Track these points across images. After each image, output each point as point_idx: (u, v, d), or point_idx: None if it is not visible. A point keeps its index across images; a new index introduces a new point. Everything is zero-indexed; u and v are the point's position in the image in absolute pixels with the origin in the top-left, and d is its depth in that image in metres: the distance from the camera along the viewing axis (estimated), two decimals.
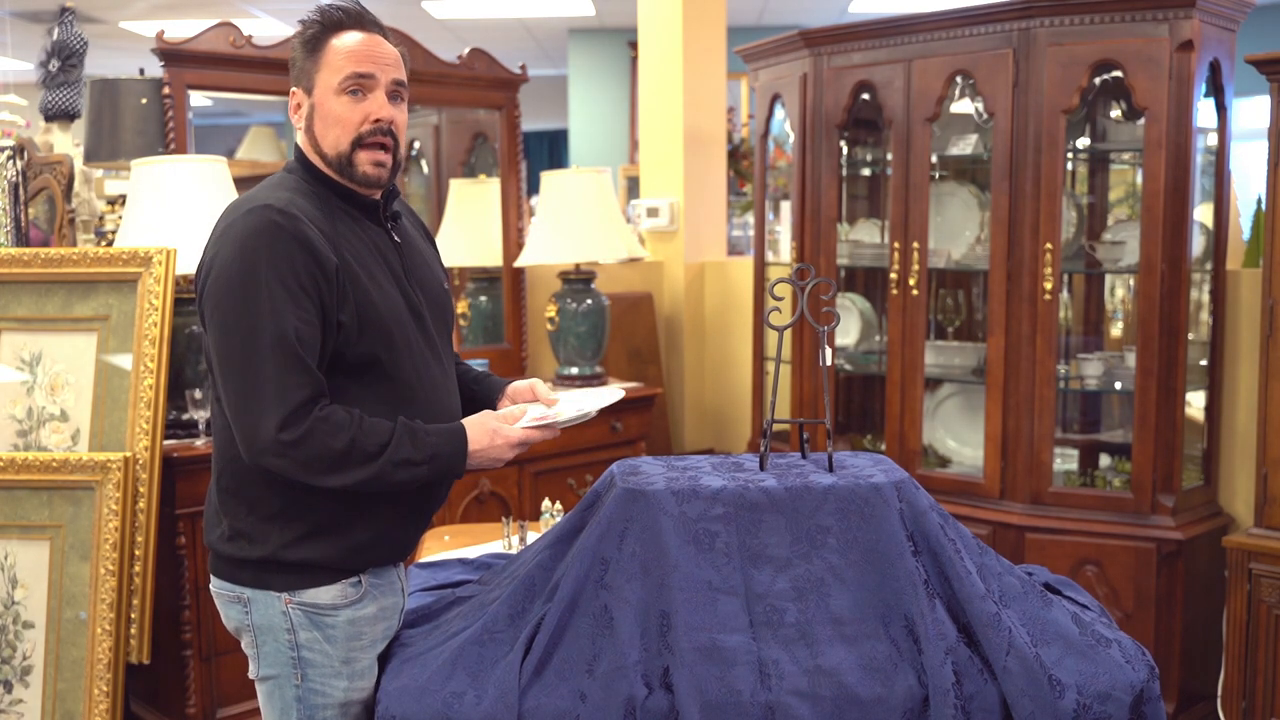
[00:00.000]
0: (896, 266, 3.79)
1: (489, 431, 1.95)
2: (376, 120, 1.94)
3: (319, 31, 1.95)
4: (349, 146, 1.94)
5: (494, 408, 2.16)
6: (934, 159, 3.85)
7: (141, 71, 3.83)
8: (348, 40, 1.94)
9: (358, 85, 1.93)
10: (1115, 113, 3.80)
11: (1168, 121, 3.31)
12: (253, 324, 1.81)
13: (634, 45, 8.85)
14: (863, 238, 4.29)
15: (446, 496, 2.13)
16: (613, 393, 2.15)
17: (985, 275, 3.70)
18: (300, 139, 2.01)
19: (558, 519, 2.98)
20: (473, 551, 2.88)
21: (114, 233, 3.71)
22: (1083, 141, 3.85)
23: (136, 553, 3.06)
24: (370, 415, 1.90)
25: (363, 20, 1.96)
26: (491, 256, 4.61)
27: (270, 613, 1.95)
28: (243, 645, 2.03)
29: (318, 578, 1.94)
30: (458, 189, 4.72)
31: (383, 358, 1.92)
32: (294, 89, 2.00)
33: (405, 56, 2.02)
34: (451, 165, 4.87)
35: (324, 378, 1.87)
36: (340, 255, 1.88)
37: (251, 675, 2.02)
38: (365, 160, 1.94)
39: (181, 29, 4.02)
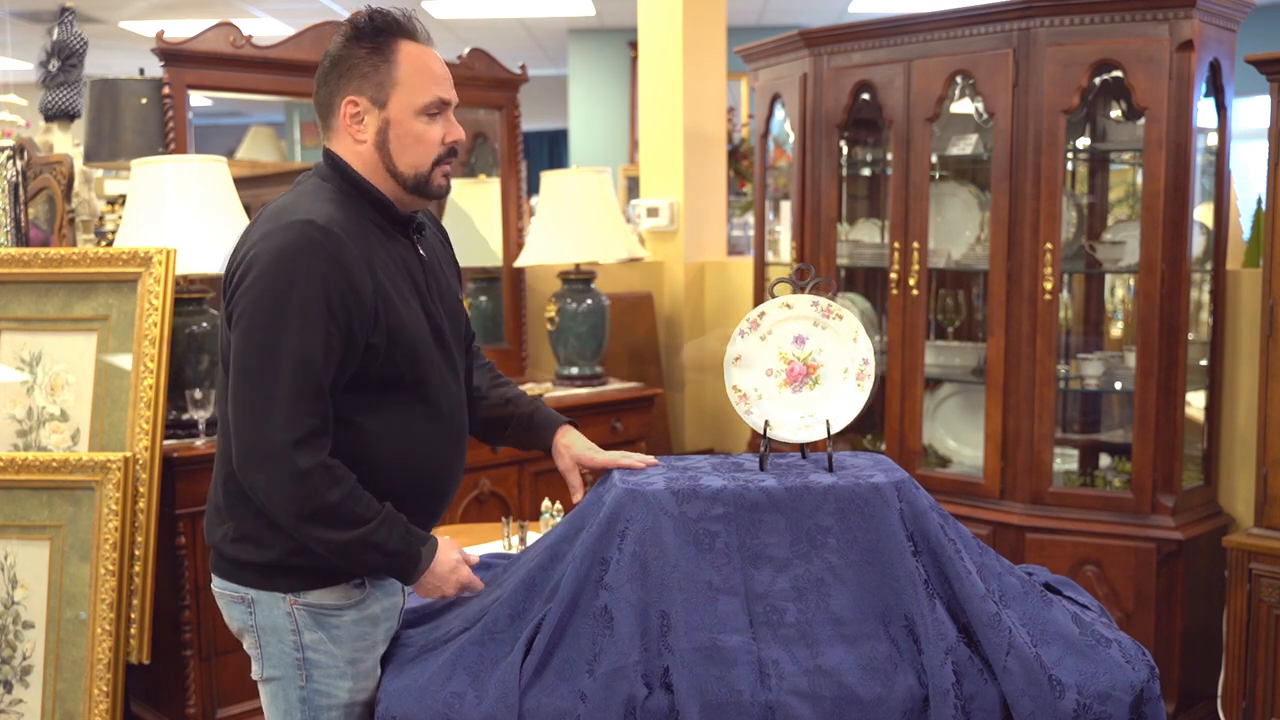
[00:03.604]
0: (896, 266, 3.79)
1: (453, 566, 1.95)
2: (455, 141, 1.96)
3: (385, 41, 1.91)
4: (430, 166, 1.95)
5: (537, 444, 2.20)
6: (934, 159, 3.85)
7: (141, 71, 3.83)
8: (423, 58, 1.93)
9: (440, 109, 1.94)
10: (1115, 113, 3.80)
11: (1168, 121, 3.31)
12: (278, 340, 1.80)
13: (634, 45, 8.85)
14: (863, 238, 4.29)
15: (448, 507, 2.12)
16: None
17: (985, 275, 3.70)
18: (347, 146, 1.96)
19: (558, 519, 2.98)
20: (473, 552, 2.88)
21: (114, 233, 3.71)
22: (1083, 141, 3.85)
23: (136, 553, 3.06)
24: (391, 429, 1.92)
25: (420, 31, 1.95)
26: (491, 256, 4.61)
27: (275, 614, 1.94)
28: (245, 646, 2.02)
29: (322, 579, 1.93)
30: (457, 189, 4.71)
31: (406, 376, 1.92)
32: (353, 97, 1.92)
33: None
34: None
35: (342, 397, 1.88)
36: (375, 277, 1.87)
37: (255, 676, 2.02)
38: (439, 175, 1.97)
39: (181, 29, 4.02)
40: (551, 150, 13.67)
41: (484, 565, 2.33)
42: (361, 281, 1.84)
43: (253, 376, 1.81)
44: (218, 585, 2.01)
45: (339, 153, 1.96)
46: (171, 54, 3.66)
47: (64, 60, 4.29)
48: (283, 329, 1.80)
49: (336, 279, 1.81)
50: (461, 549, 1.99)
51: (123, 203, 3.72)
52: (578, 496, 2.11)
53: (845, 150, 4.24)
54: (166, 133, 3.67)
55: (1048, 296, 3.47)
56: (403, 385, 1.92)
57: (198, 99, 3.89)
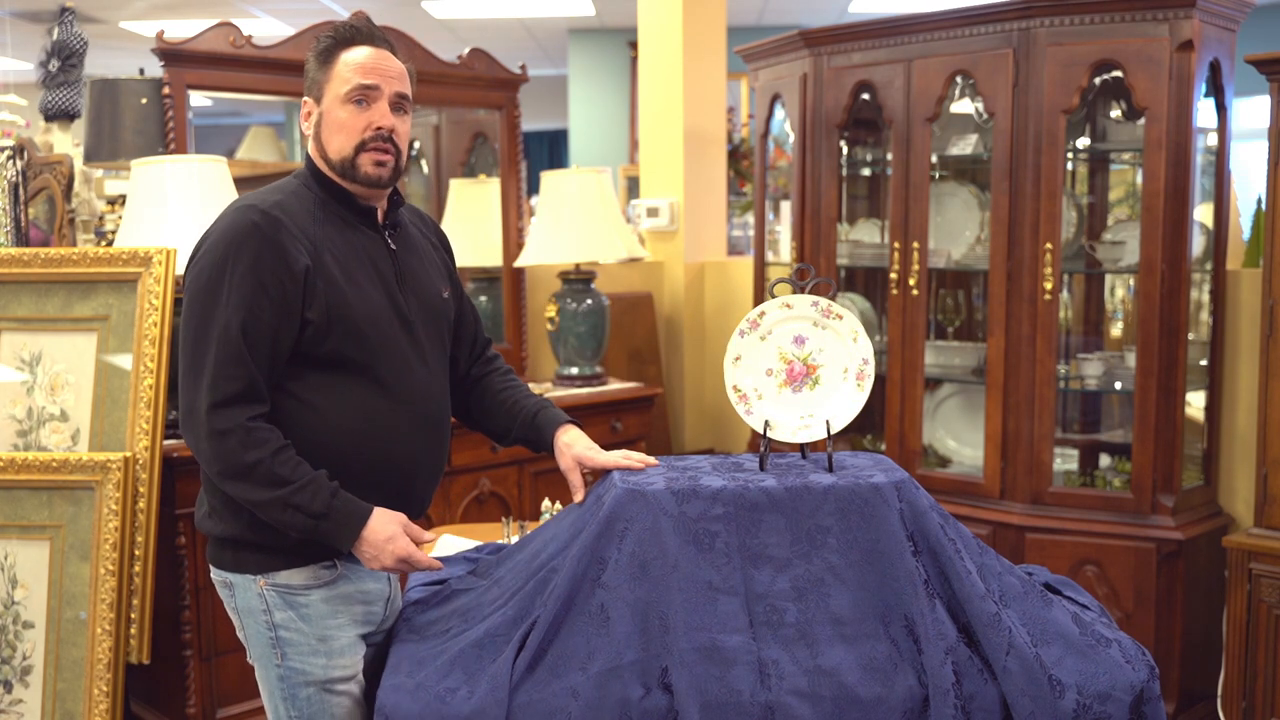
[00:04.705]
0: (896, 266, 3.79)
1: (389, 536, 1.97)
2: (378, 128, 2.03)
3: (331, 45, 2.06)
4: (352, 151, 2.03)
5: (539, 443, 2.21)
6: (934, 159, 3.85)
7: (141, 71, 3.83)
8: (357, 54, 2.05)
9: (363, 95, 2.03)
10: (1115, 113, 3.80)
11: (1168, 121, 3.31)
12: (209, 313, 1.93)
13: (634, 45, 8.85)
14: (863, 238, 4.29)
15: (429, 501, 2.17)
16: None
17: (985, 275, 3.70)
18: (309, 145, 2.09)
19: (556, 516, 2.97)
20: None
21: (114, 233, 3.71)
22: (1083, 141, 3.85)
23: (136, 553, 3.06)
24: (344, 408, 1.99)
25: (373, 37, 2.07)
26: (491, 256, 4.61)
27: (249, 595, 2.03)
28: (236, 630, 2.10)
29: (289, 560, 2.01)
30: (458, 189, 4.72)
31: (354, 357, 2.00)
32: (305, 98, 2.10)
33: (413, 74, 2.12)
34: (451, 165, 4.87)
35: (296, 375, 1.97)
36: (317, 257, 1.98)
37: (248, 660, 2.10)
38: (367, 161, 2.03)
39: (181, 29, 4.02)
40: (551, 150, 13.66)
41: (476, 560, 2.33)
42: (295, 257, 1.95)
43: (188, 346, 1.96)
44: (211, 573, 2.10)
45: (309, 152, 2.11)
46: (171, 54, 3.66)
47: (64, 60, 4.28)
48: (215, 302, 1.93)
49: (269, 255, 1.93)
50: (406, 523, 2.00)
51: (123, 203, 3.72)
52: (579, 496, 2.12)
53: (845, 150, 4.24)
54: (166, 133, 3.67)
55: (1048, 296, 3.47)
56: (351, 365, 2.00)
57: (198, 99, 3.89)
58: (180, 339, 1.98)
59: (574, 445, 2.16)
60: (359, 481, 1.99)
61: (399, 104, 2.06)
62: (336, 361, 1.99)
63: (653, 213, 5.08)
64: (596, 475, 2.15)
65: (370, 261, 2.05)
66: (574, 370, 4.39)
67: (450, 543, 3.09)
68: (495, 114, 4.55)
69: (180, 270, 3.22)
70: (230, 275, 1.92)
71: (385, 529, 1.97)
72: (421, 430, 2.08)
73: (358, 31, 2.06)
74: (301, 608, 2.02)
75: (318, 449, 1.97)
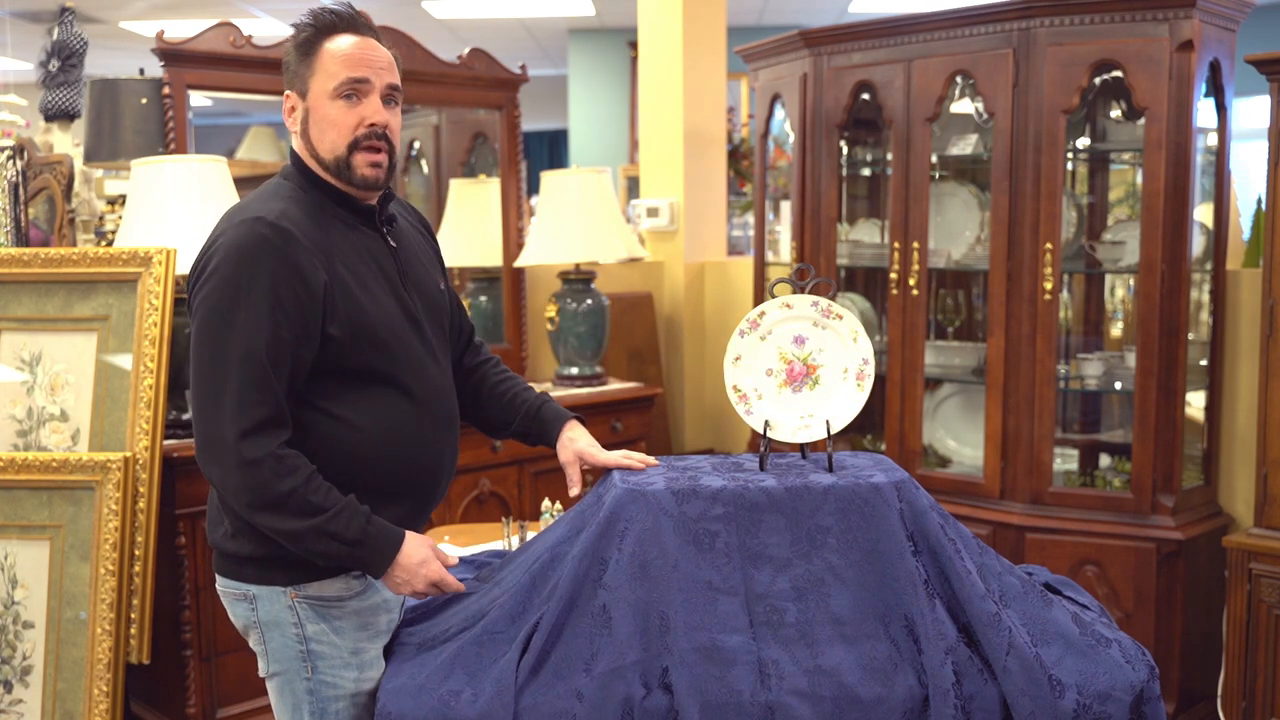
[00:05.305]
0: (896, 266, 3.79)
1: (421, 560, 1.92)
2: (371, 124, 1.95)
3: (312, 35, 1.96)
4: (345, 150, 1.95)
5: (542, 437, 2.19)
6: (934, 159, 3.85)
7: (141, 71, 3.83)
8: (341, 44, 1.95)
9: (352, 90, 1.94)
10: (1115, 113, 3.80)
11: (1168, 121, 3.31)
12: (226, 336, 1.84)
13: (634, 45, 8.85)
14: (863, 238, 4.29)
15: (444, 494, 2.14)
16: None
17: (985, 275, 3.70)
18: (295, 143, 2.02)
19: (557, 519, 2.97)
20: (472, 551, 2.88)
21: (114, 233, 3.71)
22: (1083, 141, 3.85)
23: (136, 553, 3.06)
24: (373, 419, 1.93)
25: (355, 23, 1.97)
26: (491, 256, 4.61)
27: (276, 607, 1.96)
28: (250, 643, 2.03)
29: (321, 571, 1.95)
30: (458, 189, 4.72)
31: (378, 366, 1.94)
32: (288, 92, 2.00)
33: (398, 59, 2.03)
34: (451, 165, 4.87)
35: (319, 389, 1.91)
36: (331, 268, 1.90)
37: (261, 673, 2.03)
38: (362, 163, 1.96)
39: (181, 29, 4.02)
40: (551, 150, 13.66)
41: (477, 564, 2.33)
42: (312, 274, 1.86)
43: (205, 371, 1.86)
44: (221, 584, 2.03)
45: (296, 150, 2.02)
46: (171, 54, 3.66)
47: (64, 60, 4.29)
48: (231, 324, 1.84)
49: (285, 273, 1.84)
50: (435, 546, 1.97)
51: (123, 203, 3.72)
52: (574, 490, 2.11)
53: (845, 150, 4.24)
54: (166, 133, 3.67)
55: (1048, 296, 3.47)
56: (375, 375, 1.95)
57: (198, 99, 3.88)
58: (193, 363, 1.88)
59: (577, 441, 2.15)
60: (391, 489, 1.96)
61: (390, 96, 1.98)
62: (365, 373, 1.93)
63: (653, 213, 5.08)
64: (596, 475, 2.14)
65: (375, 263, 1.99)
66: (574, 370, 4.39)
67: (445, 547, 3.09)
68: (495, 114, 4.55)
69: (180, 271, 3.23)
70: (246, 295, 1.83)
71: (418, 553, 1.92)
72: (442, 429, 2.05)
73: (339, 18, 1.95)
74: (335, 620, 1.96)
75: (354, 463, 1.92)
